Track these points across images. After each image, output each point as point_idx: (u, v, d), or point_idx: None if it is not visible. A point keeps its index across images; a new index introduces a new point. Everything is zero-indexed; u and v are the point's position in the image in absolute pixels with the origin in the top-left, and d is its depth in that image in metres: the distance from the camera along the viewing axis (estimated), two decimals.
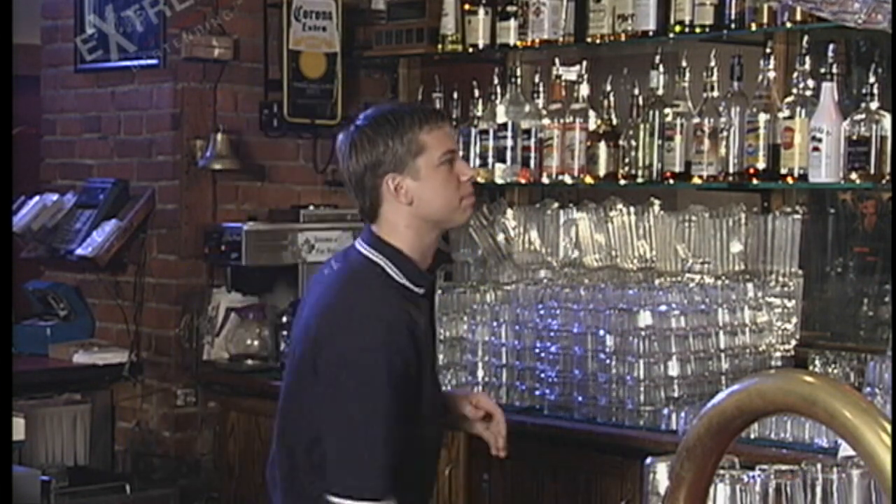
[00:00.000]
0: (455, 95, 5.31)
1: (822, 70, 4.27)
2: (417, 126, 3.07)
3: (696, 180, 4.53)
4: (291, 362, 3.14)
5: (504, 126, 5.03)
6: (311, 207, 5.52)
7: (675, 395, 4.19)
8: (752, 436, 3.89)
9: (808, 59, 4.31)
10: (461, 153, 5.20)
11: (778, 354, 4.50)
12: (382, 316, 3.00)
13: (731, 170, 4.48)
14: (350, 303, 3.04)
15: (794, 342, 4.55)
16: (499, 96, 5.10)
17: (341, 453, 2.96)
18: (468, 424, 3.42)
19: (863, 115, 4.15)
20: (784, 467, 2.08)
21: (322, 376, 3.00)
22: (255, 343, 5.43)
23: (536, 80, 5.03)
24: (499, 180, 5.08)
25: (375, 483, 2.93)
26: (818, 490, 2.06)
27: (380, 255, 3.09)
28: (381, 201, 3.09)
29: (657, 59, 4.66)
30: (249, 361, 5.39)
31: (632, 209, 4.81)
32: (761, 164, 4.39)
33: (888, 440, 1.27)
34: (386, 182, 3.06)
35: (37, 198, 5.87)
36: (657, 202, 4.79)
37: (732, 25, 4.50)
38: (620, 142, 4.74)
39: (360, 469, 2.94)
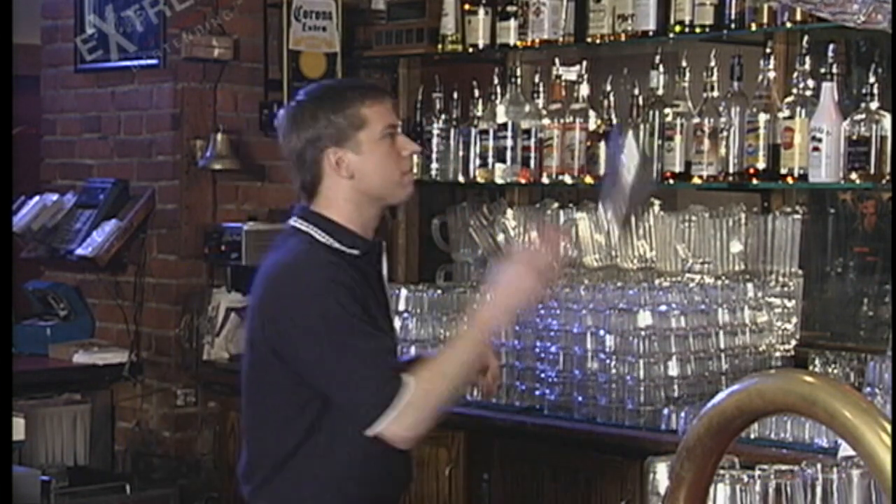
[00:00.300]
0: (455, 95, 5.31)
1: (822, 70, 4.27)
2: (359, 100, 3.09)
3: (696, 180, 4.53)
4: (245, 349, 3.16)
5: (504, 126, 5.03)
6: None
7: (675, 395, 4.19)
8: (752, 436, 3.88)
9: (808, 59, 4.31)
10: (461, 153, 5.21)
11: (778, 354, 4.50)
12: (314, 265, 3.03)
13: (731, 170, 4.48)
14: (284, 271, 3.06)
15: (794, 342, 4.55)
16: (499, 96, 5.10)
17: (349, 389, 2.97)
18: None
19: (863, 115, 4.15)
20: (784, 467, 2.08)
21: (290, 345, 3.01)
22: None
23: (536, 80, 5.03)
24: (499, 180, 5.08)
25: (387, 391, 2.93)
26: (818, 490, 2.06)
27: (308, 224, 3.11)
28: (322, 176, 3.10)
29: (657, 59, 4.66)
30: None
31: None
32: (761, 164, 4.39)
33: (888, 440, 1.27)
34: (327, 156, 3.08)
35: (37, 198, 5.87)
36: (657, 202, 4.79)
37: (732, 25, 4.50)
38: None
39: (370, 387, 2.95)
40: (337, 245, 3.09)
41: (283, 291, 3.04)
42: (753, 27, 4.47)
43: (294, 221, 3.15)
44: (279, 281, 3.05)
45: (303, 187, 3.15)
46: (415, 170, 3.25)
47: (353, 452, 3.04)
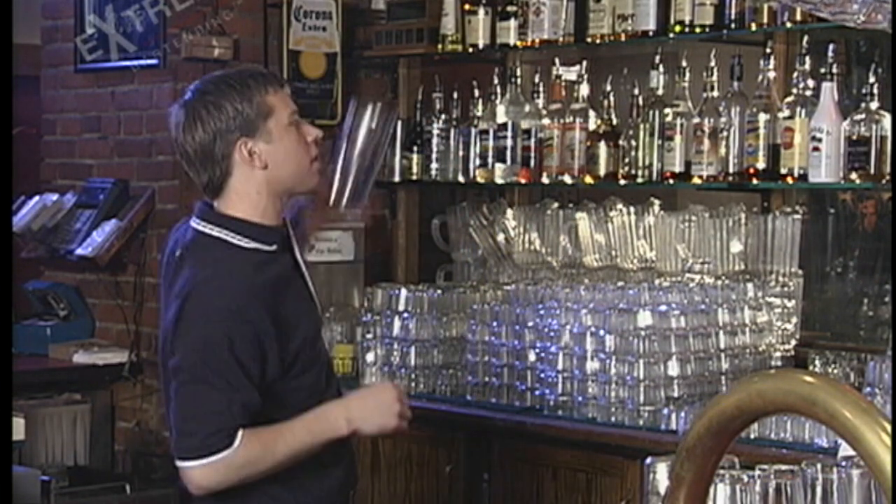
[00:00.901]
0: (455, 95, 5.31)
1: (822, 70, 4.27)
2: (263, 88, 3.02)
3: (696, 180, 4.53)
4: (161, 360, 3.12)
5: (504, 126, 5.03)
6: None
7: (675, 395, 4.19)
8: (752, 436, 3.88)
9: (808, 59, 4.31)
10: (461, 153, 5.21)
11: (778, 354, 4.50)
12: (226, 288, 2.96)
13: (731, 170, 4.48)
14: (197, 283, 2.98)
15: (794, 342, 4.55)
16: (499, 96, 5.10)
17: (184, 419, 2.95)
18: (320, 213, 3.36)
19: (863, 115, 4.15)
20: (784, 467, 2.08)
21: (176, 355, 2.99)
22: None
23: (536, 80, 5.03)
24: (499, 180, 5.08)
25: (209, 441, 2.91)
26: (818, 490, 2.06)
27: (220, 228, 3.02)
28: (232, 170, 3.01)
29: (657, 59, 4.66)
30: None
31: (632, 209, 4.81)
32: (761, 164, 4.39)
33: (888, 440, 1.27)
34: (239, 148, 2.99)
35: (37, 198, 5.87)
36: (657, 202, 4.79)
37: (732, 25, 4.50)
38: (620, 142, 4.74)
39: (201, 429, 2.93)
40: (255, 245, 3.03)
41: (190, 310, 2.98)
42: (753, 27, 4.47)
43: (198, 225, 3.06)
44: (191, 300, 2.98)
45: (209, 185, 3.04)
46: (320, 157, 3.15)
47: None
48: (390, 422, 3.04)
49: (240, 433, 2.91)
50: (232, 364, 2.92)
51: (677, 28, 4.61)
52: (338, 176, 3.21)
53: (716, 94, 4.51)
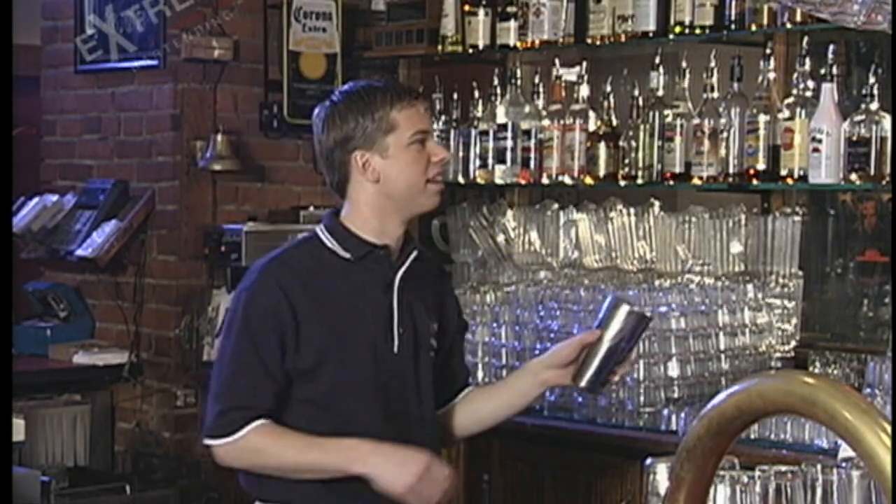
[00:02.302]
0: (455, 96, 5.31)
1: (822, 71, 4.27)
2: (389, 104, 3.07)
3: (696, 181, 4.53)
4: None
5: (504, 127, 5.03)
6: (312, 208, 5.52)
7: (675, 395, 4.19)
8: (752, 436, 3.89)
9: (807, 59, 4.31)
10: (461, 154, 5.21)
11: (778, 355, 4.50)
12: (277, 264, 3.07)
13: (731, 171, 4.48)
14: (271, 258, 3.11)
15: (794, 343, 4.55)
16: (499, 97, 5.10)
17: (215, 386, 3.09)
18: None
19: (863, 116, 4.15)
20: (784, 468, 2.08)
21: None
22: None
23: (536, 80, 5.03)
24: (499, 181, 5.08)
25: (217, 422, 3.05)
26: (818, 490, 2.06)
27: (323, 227, 3.13)
28: (349, 177, 3.10)
29: (657, 59, 4.66)
30: None
31: (632, 210, 4.81)
32: (761, 165, 4.39)
33: (888, 441, 1.27)
34: (354, 158, 3.07)
35: (37, 198, 5.87)
36: (657, 203, 4.79)
37: (732, 26, 4.50)
38: (620, 142, 4.74)
39: (211, 408, 3.09)
40: (333, 246, 3.10)
41: (250, 277, 3.11)
42: (753, 28, 4.47)
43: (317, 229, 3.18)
44: (257, 271, 3.11)
45: (331, 186, 3.17)
46: (442, 178, 3.19)
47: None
48: (397, 486, 2.99)
49: (252, 424, 3.00)
50: (245, 336, 3.03)
51: (677, 29, 4.61)
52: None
53: (716, 94, 4.51)
